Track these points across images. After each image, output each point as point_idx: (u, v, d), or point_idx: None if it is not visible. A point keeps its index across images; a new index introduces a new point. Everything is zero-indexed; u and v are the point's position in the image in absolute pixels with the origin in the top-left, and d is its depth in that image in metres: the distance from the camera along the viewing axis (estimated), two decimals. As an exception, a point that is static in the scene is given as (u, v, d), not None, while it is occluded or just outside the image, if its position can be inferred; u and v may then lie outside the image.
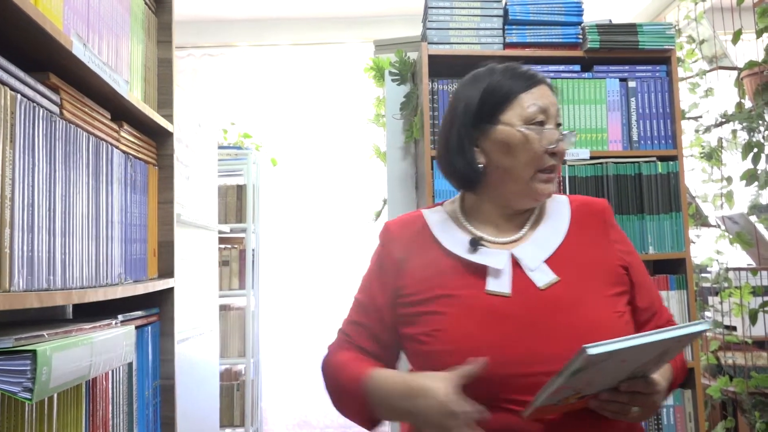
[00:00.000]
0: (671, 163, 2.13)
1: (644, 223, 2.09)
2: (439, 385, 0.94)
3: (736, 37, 3.02)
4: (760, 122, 2.89)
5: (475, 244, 1.10)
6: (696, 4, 3.31)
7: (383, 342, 1.15)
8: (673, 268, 2.14)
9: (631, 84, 2.16)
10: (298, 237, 4.42)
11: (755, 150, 2.91)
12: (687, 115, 3.45)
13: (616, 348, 0.84)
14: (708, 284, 3.33)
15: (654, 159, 2.12)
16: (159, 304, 1.49)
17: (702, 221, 3.37)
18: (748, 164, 2.94)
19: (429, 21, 2.18)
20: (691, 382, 2.08)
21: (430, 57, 2.14)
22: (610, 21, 2.25)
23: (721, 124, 3.15)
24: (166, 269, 1.54)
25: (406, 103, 2.37)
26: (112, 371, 1.18)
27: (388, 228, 1.19)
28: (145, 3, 1.50)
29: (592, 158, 2.11)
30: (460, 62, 2.19)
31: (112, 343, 1.07)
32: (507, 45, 2.17)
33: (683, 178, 2.13)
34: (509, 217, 1.15)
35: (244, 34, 4.99)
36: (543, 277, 1.06)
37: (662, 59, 2.18)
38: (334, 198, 4.45)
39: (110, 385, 1.18)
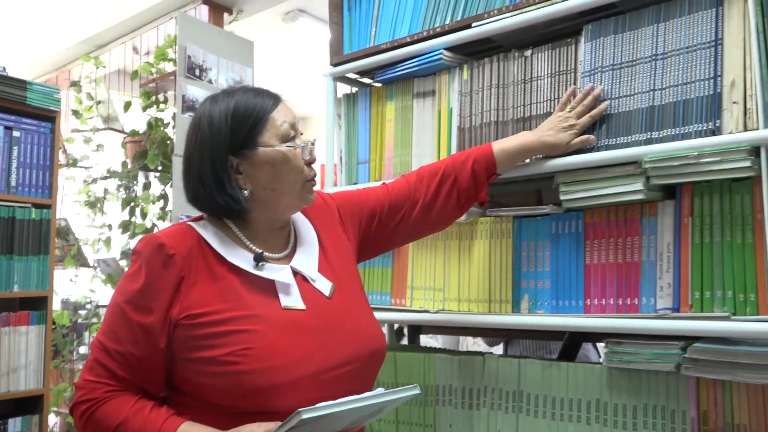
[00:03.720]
0: (45, 210, 2.37)
1: (12, 264, 2.26)
2: None
3: (127, 107, 3.55)
4: (135, 182, 3.44)
5: (260, 259, 1.10)
6: (97, 68, 3.72)
7: (150, 369, 1.06)
8: (37, 305, 2.36)
9: (16, 133, 2.33)
10: None
11: (131, 204, 3.44)
12: (79, 164, 3.78)
13: (329, 412, 0.94)
14: (81, 320, 3.66)
15: (29, 205, 2.33)
16: None
17: (82, 262, 3.70)
18: (125, 215, 3.45)
19: None
20: (40, 408, 2.32)
21: None
22: (4, 69, 2.38)
23: (106, 177, 3.59)
24: None
25: None
26: None
27: (161, 242, 1.06)
28: None
29: (-35, 197, 2.16)
30: None
31: None
32: None
33: (54, 224, 2.40)
34: (275, 233, 1.17)
35: None
36: (324, 285, 1.15)
37: (49, 117, 2.43)
38: None
39: None
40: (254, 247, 1.13)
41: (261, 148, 1.09)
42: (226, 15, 3.53)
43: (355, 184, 1.74)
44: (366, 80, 1.83)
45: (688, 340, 1.23)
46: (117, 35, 3.88)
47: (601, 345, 1.78)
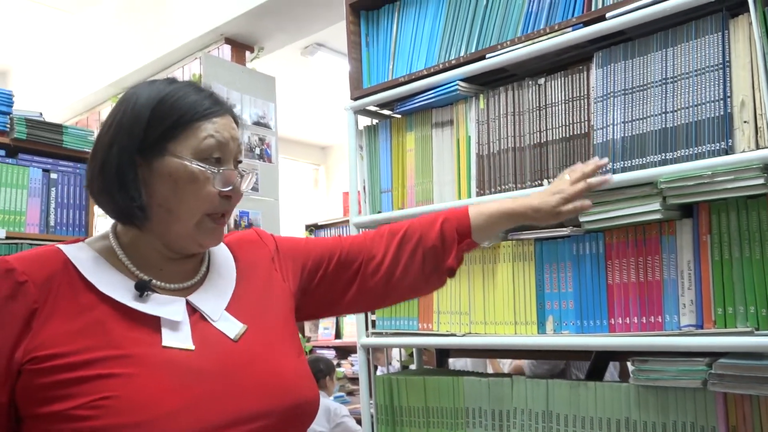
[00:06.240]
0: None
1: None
2: None
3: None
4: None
5: (143, 288, 0.89)
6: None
7: None
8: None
9: (53, 175, 2.43)
10: None
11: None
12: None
13: None
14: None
15: (67, 244, 2.42)
16: None
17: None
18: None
19: None
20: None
21: None
22: (41, 115, 2.50)
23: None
24: None
25: None
26: None
27: (11, 266, 0.84)
28: None
29: (8, 238, 2.26)
30: None
31: None
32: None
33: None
34: (176, 262, 0.96)
35: None
36: (231, 327, 0.92)
37: (84, 159, 2.53)
38: None
39: None
40: (141, 275, 0.91)
41: (169, 157, 0.89)
42: (247, 53, 3.65)
43: (379, 212, 1.79)
44: (386, 112, 1.89)
45: (713, 356, 1.25)
46: (144, 76, 4.02)
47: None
